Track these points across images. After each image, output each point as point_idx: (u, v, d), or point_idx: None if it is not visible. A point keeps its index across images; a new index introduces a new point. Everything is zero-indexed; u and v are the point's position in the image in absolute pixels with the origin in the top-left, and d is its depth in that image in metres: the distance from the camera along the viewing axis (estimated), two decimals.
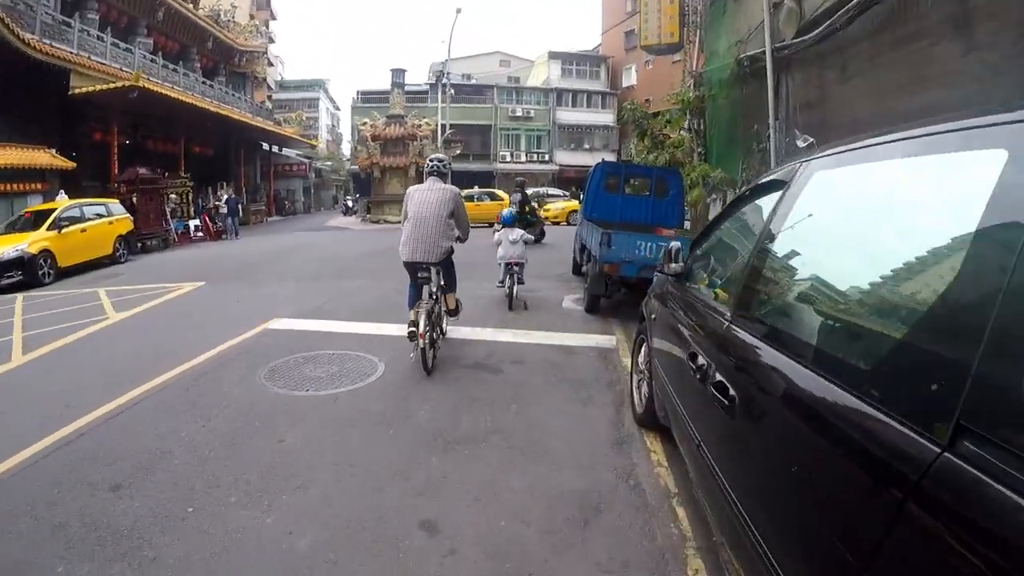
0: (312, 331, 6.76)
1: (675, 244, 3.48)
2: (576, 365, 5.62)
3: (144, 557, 2.78)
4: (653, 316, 3.88)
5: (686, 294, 3.18)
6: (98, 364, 5.85)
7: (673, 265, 3.41)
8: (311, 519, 3.07)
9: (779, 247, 2.22)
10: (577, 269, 10.23)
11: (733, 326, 2.23)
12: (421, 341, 4.95)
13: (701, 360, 2.43)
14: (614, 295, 7.69)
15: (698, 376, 2.41)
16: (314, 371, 5.32)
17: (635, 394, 4.49)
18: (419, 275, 5.26)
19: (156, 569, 2.70)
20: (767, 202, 2.51)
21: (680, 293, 3.31)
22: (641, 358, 4.38)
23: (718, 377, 2.17)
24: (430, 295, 5.27)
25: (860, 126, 8.04)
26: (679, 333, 3.05)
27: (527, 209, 15.66)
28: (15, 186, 14.49)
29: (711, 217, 13.61)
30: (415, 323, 4.97)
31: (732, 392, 2.01)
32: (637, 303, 7.97)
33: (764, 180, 2.76)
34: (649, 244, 6.97)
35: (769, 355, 1.84)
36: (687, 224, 11.80)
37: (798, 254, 2.13)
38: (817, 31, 9.08)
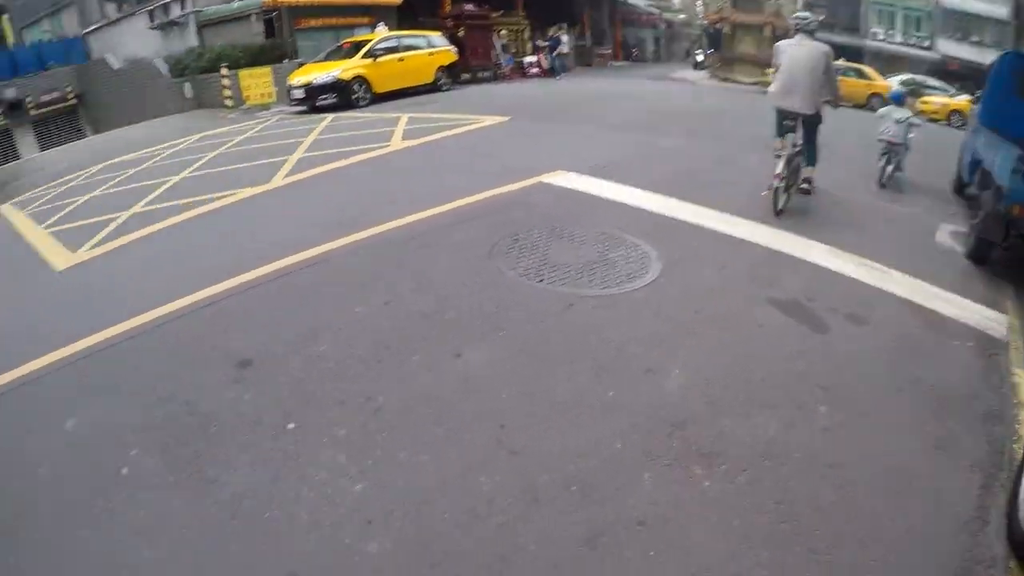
0: (592, 195, 5.23)
1: None
2: (939, 354, 3.08)
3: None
4: None
5: None
6: (338, 200, 5.32)
7: None
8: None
9: None
10: (960, 188, 6.74)
11: None
12: (776, 181, 5.03)
13: None
14: (1016, 246, 4.42)
15: None
16: (564, 254, 3.80)
17: None
18: (784, 122, 5.37)
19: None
20: None
21: None
22: None
23: None
24: (793, 144, 5.36)
25: None
26: None
27: None
28: (342, 20, 15.62)
29: None
30: (780, 151, 5.23)
31: None
32: None
33: None
34: None
35: None
36: None
37: None
38: None
